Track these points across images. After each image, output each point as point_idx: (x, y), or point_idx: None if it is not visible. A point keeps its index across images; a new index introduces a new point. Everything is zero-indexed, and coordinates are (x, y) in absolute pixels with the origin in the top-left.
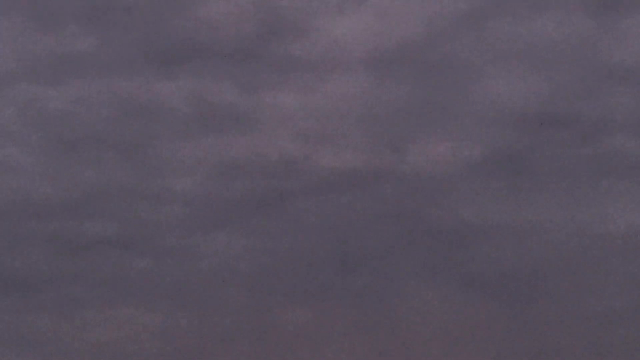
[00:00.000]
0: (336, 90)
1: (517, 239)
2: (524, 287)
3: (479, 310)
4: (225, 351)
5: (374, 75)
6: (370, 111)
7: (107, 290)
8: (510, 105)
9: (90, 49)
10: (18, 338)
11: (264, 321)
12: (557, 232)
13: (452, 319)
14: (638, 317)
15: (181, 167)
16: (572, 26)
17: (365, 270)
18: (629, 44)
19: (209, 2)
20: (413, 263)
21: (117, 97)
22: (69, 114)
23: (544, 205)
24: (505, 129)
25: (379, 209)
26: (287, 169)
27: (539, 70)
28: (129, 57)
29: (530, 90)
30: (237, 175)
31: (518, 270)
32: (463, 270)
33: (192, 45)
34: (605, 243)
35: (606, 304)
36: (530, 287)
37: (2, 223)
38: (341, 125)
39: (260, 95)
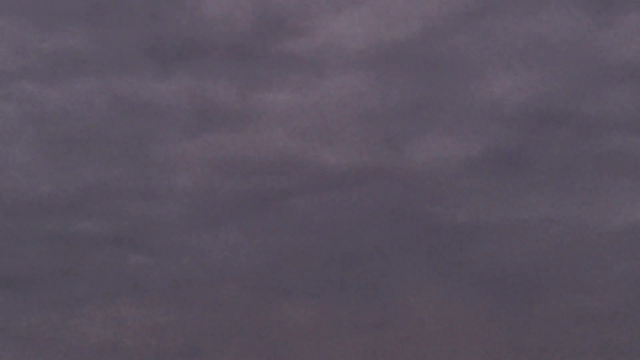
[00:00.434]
0: (334, 88)
1: (517, 236)
2: (524, 284)
3: (478, 307)
4: (224, 348)
5: (372, 73)
6: (368, 109)
7: (105, 288)
8: (510, 103)
9: (88, 48)
10: (15, 335)
11: (264, 318)
12: (556, 230)
13: (451, 316)
14: (636, 314)
15: (180, 164)
16: (571, 24)
17: (365, 268)
18: (628, 41)
19: (207, 0)
20: (412, 260)
21: (116, 96)
22: (68, 112)
23: (543, 202)
24: (504, 126)
25: (378, 207)
26: (285, 167)
27: (538, 67)
28: (127, 56)
29: (529, 88)
30: (235, 173)
31: (517, 268)
32: (463, 267)
33: (191, 44)
34: (606, 240)
35: (606, 301)
36: (530, 284)
37: (1, 220)
38: (340, 123)
39: (258, 93)
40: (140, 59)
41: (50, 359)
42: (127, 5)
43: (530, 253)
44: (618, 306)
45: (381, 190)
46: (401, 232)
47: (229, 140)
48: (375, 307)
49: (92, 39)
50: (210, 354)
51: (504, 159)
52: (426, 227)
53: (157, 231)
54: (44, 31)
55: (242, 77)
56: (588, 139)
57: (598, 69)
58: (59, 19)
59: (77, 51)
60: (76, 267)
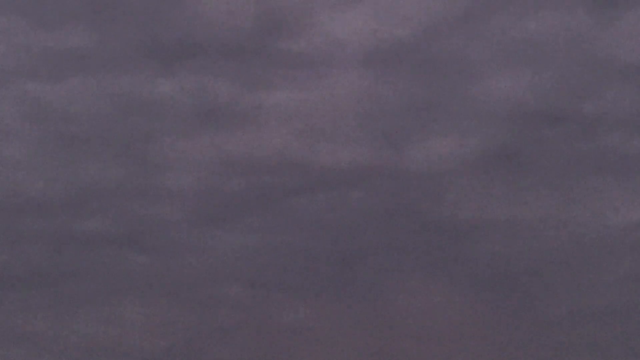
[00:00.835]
0: (335, 87)
1: (515, 235)
2: (522, 282)
3: (477, 305)
4: (224, 347)
5: (372, 72)
6: (368, 108)
7: (105, 287)
8: (509, 102)
9: (89, 46)
10: (16, 334)
11: (263, 317)
12: (555, 228)
13: (451, 314)
14: (636, 313)
15: (180, 163)
16: (570, 23)
17: (364, 267)
18: (627, 41)
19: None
20: (412, 259)
21: (117, 94)
22: (69, 112)
23: (542, 201)
24: (503, 125)
25: (377, 206)
26: (286, 166)
27: (537, 67)
28: (128, 54)
29: (528, 87)
30: (236, 172)
31: (516, 266)
32: (461, 266)
33: (192, 43)
34: (604, 239)
35: (604, 299)
36: (529, 283)
37: (1, 219)
38: (340, 122)
39: (259, 93)
40: (141, 58)
41: (51, 358)
42: (127, 4)
43: (529, 251)
44: (616, 305)
45: (381, 189)
46: (401, 230)
47: (230, 139)
48: (375, 305)
49: (93, 38)
50: (211, 352)
51: (503, 158)
52: (425, 225)
53: (157, 230)
54: (44, 30)
55: (242, 77)
56: (587, 138)
57: (597, 69)
58: (60, 18)
59: (78, 50)
60: (77, 267)
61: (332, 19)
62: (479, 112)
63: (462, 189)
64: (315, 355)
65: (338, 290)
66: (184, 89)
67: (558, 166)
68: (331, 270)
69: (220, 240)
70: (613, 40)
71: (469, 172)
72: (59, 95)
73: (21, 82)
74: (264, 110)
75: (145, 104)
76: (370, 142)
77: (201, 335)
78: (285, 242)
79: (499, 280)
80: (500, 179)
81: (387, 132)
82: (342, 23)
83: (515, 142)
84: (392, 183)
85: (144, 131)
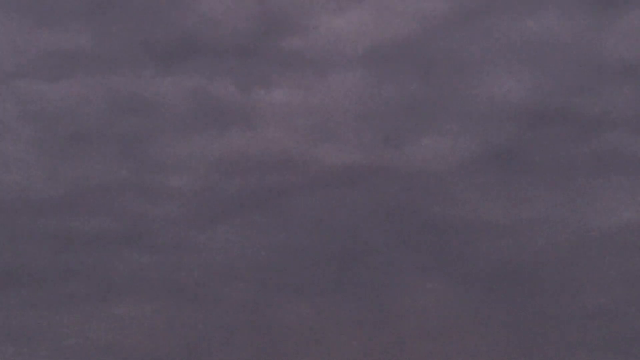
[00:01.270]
0: (334, 86)
1: (514, 234)
2: (521, 282)
3: (476, 305)
4: (224, 346)
5: (372, 71)
6: (368, 107)
7: (104, 286)
8: (508, 101)
9: (88, 46)
10: (16, 333)
11: (263, 316)
12: (554, 228)
13: (450, 314)
14: (634, 313)
15: (180, 163)
16: (570, 22)
17: (364, 266)
18: (626, 40)
19: None
20: (411, 258)
21: (116, 94)
22: (68, 110)
23: (541, 200)
24: (502, 125)
25: (377, 205)
26: (285, 165)
27: (536, 66)
28: (127, 54)
29: (527, 86)
30: (235, 171)
31: (515, 266)
32: (461, 265)
33: (191, 42)
34: (603, 239)
35: (602, 300)
36: (528, 282)
37: (0, 218)
38: (339, 121)
39: (258, 92)
40: (140, 56)
41: (50, 357)
42: (127, 4)
43: (528, 251)
44: (614, 304)
45: (380, 188)
46: (400, 230)
47: (229, 139)
48: (375, 305)
49: (92, 37)
50: (210, 352)
51: (502, 157)
52: (425, 225)
53: (156, 229)
54: (43, 29)
55: (242, 76)
56: (586, 137)
57: (596, 68)
58: (58, 17)
59: (77, 49)
60: (76, 266)
61: (332, 18)
62: (479, 112)
63: (463, 188)
64: (316, 353)
65: (339, 289)
66: (183, 88)
67: (558, 166)
68: (332, 269)
69: (221, 239)
70: (613, 40)
71: (469, 172)
72: (58, 94)
73: (20, 82)
74: (263, 109)
75: (145, 103)
76: (370, 141)
77: (202, 334)
78: (285, 241)
79: (499, 280)
80: (500, 178)
81: (387, 131)
82: (342, 22)
83: (515, 142)
84: (392, 182)
85: (143, 130)
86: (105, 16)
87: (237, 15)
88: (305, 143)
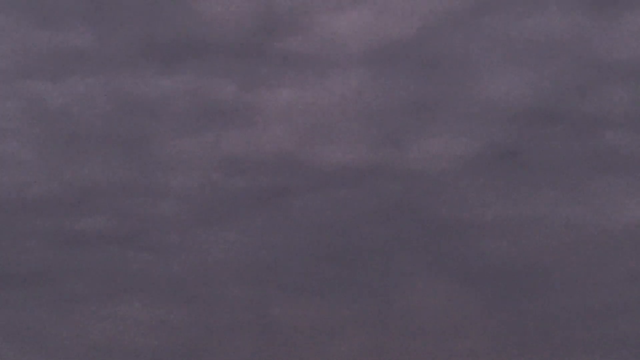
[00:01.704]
0: (335, 86)
1: (515, 233)
2: (522, 280)
3: (477, 304)
4: (225, 345)
5: (372, 71)
6: (368, 107)
7: (106, 285)
8: (508, 101)
9: (90, 46)
10: (17, 332)
11: (264, 315)
12: (554, 227)
13: (451, 312)
14: (634, 311)
15: (181, 162)
16: (569, 23)
17: (365, 265)
18: (625, 40)
19: None
20: (412, 258)
21: (117, 93)
22: (69, 110)
23: (541, 200)
24: (503, 124)
25: (377, 205)
26: (286, 165)
27: (536, 66)
28: (128, 54)
29: (527, 87)
30: (236, 171)
31: (516, 264)
32: (462, 264)
33: (192, 42)
34: (602, 237)
35: (604, 298)
36: (528, 281)
37: (2, 218)
38: (340, 121)
39: (259, 92)
40: (141, 57)
41: (52, 356)
42: (128, 4)
43: (529, 250)
44: (615, 303)
45: (381, 188)
46: (401, 229)
47: (230, 138)
48: (375, 304)
49: (94, 38)
50: (211, 351)
51: (503, 156)
52: (425, 224)
53: (158, 229)
54: (45, 30)
55: (242, 75)
56: (586, 137)
57: (596, 68)
58: (60, 18)
59: (79, 49)
60: (78, 265)
61: (332, 18)
62: (479, 111)
63: (463, 187)
64: (316, 353)
65: (338, 289)
66: (184, 88)
67: (558, 165)
68: (331, 269)
69: (221, 239)
70: (613, 39)
71: (469, 171)
72: (59, 94)
73: (22, 81)
74: (264, 109)
75: (145, 103)
76: (370, 141)
77: (202, 333)
78: (285, 241)
79: (500, 279)
80: (500, 177)
81: (387, 131)
82: (342, 22)
83: (516, 141)
84: (393, 182)
85: (144, 130)
86: (107, 17)
87: (238, 15)
88: (305, 143)
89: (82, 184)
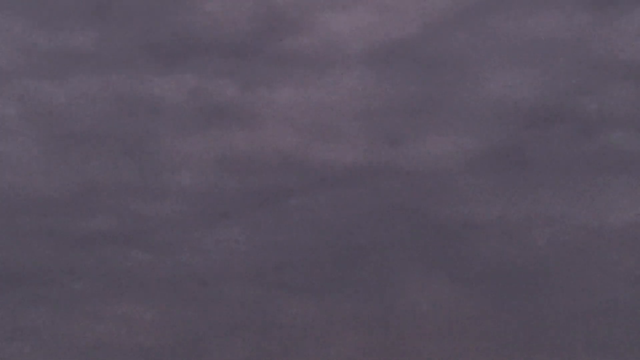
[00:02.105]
0: (335, 85)
1: (516, 233)
2: (522, 280)
3: (478, 304)
4: (225, 346)
5: (372, 70)
6: (369, 106)
7: (106, 285)
8: (509, 101)
9: (90, 45)
10: (19, 332)
11: (265, 315)
12: (555, 227)
13: (451, 313)
14: (635, 312)
15: (181, 162)
16: (570, 22)
17: (365, 265)
18: (626, 39)
19: None
20: (412, 257)
21: (117, 93)
22: (69, 110)
23: (542, 200)
24: (503, 124)
25: (377, 204)
26: (286, 164)
27: (537, 65)
28: (128, 53)
29: (528, 86)
30: (236, 171)
31: (517, 265)
32: (462, 264)
33: (192, 41)
34: (604, 238)
35: (604, 298)
36: (528, 281)
37: (3, 218)
38: (340, 120)
39: (259, 91)
40: (142, 56)
41: (52, 356)
42: (128, 3)
43: (529, 250)
44: (615, 304)
45: (382, 188)
46: (402, 229)
47: (230, 138)
48: (377, 304)
49: (94, 37)
50: (212, 351)
51: (504, 156)
52: (426, 224)
53: (159, 229)
54: (45, 29)
55: (243, 75)
56: (587, 137)
57: (597, 67)
58: (60, 17)
59: (79, 49)
60: (79, 265)
61: (332, 17)
62: (479, 111)
63: (463, 187)
64: (317, 352)
65: (340, 288)
66: (184, 88)
67: (559, 165)
68: (333, 268)
69: (223, 239)
70: (614, 39)
71: (469, 171)
72: (59, 94)
73: (22, 81)
74: (265, 109)
75: (146, 103)
76: (370, 140)
77: (203, 333)
78: (286, 241)
79: (501, 279)
80: (501, 177)
81: (388, 131)
82: (342, 22)
83: (516, 141)
84: (394, 181)
85: (145, 130)
86: (107, 16)
87: (239, 14)
88: (306, 142)
89: (82, 184)
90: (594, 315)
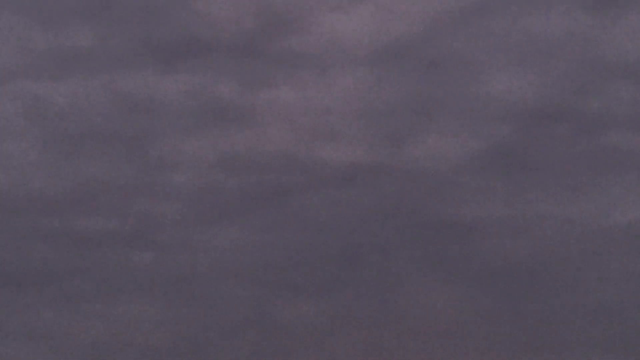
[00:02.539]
0: (336, 85)
1: (516, 232)
2: (523, 280)
3: (478, 303)
4: (227, 344)
5: (373, 70)
6: (370, 106)
7: (109, 284)
8: (509, 101)
9: (90, 45)
10: (21, 331)
11: (266, 314)
12: (555, 226)
13: (451, 312)
14: (635, 310)
15: (182, 162)
16: (571, 22)
17: (366, 264)
18: (627, 39)
19: None
20: (413, 256)
21: (118, 93)
22: (70, 110)
23: (542, 199)
24: (504, 124)
25: (379, 204)
26: (287, 164)
27: (537, 65)
28: (129, 53)
29: (529, 86)
30: (237, 170)
31: (517, 264)
32: (463, 263)
33: (193, 41)
34: (604, 237)
35: (604, 298)
36: (529, 280)
37: (5, 218)
38: (341, 120)
39: (260, 91)
40: (143, 56)
41: (55, 356)
42: (128, 3)
43: (530, 249)
44: (617, 303)
45: (382, 187)
46: (402, 228)
47: (232, 138)
48: (377, 303)
49: (95, 37)
50: (212, 351)
51: (504, 156)
52: (427, 223)
53: (160, 228)
54: (46, 29)
55: (244, 75)
56: (587, 136)
57: (598, 67)
58: (61, 17)
59: (80, 49)
60: (81, 265)
61: (333, 17)
62: (480, 111)
63: (464, 187)
64: (318, 351)
65: (341, 287)
66: (185, 88)
67: (560, 164)
68: (333, 268)
69: (223, 238)
70: (615, 38)
71: (470, 170)
72: (60, 93)
73: (22, 81)
74: (265, 108)
75: (146, 103)
76: (371, 140)
77: (205, 332)
78: (287, 240)
79: (501, 278)
80: (502, 177)
81: (388, 131)
82: (343, 22)
83: (517, 141)
84: (394, 181)
85: (146, 129)
86: (108, 16)
87: (239, 15)
88: (307, 142)
89: (85, 183)
90: (594, 314)
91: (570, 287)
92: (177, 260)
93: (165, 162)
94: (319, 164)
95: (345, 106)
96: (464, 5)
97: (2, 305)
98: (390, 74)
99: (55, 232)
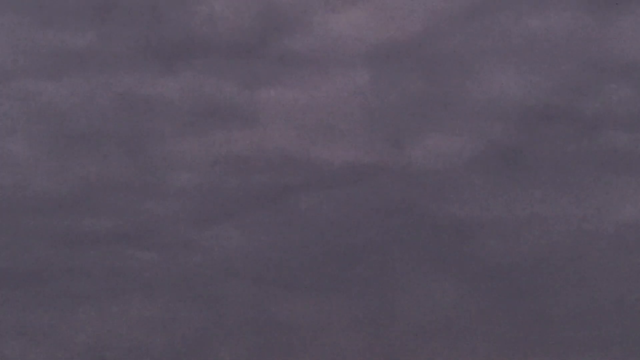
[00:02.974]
0: (337, 85)
1: (516, 233)
2: (523, 280)
3: (479, 303)
4: (227, 344)
5: (374, 70)
6: (370, 106)
7: (108, 285)
8: (510, 100)
9: (90, 44)
10: (19, 332)
11: (265, 314)
12: (555, 227)
13: (451, 312)
14: (635, 311)
15: (182, 162)
16: (571, 22)
17: (366, 264)
18: (628, 39)
19: None
20: (413, 257)
21: (118, 93)
22: (69, 110)
23: (542, 199)
24: (504, 123)
25: (379, 204)
26: (287, 164)
27: (538, 65)
28: (129, 53)
29: (529, 86)
30: (238, 170)
31: (517, 264)
32: (463, 263)
33: (193, 41)
34: (604, 237)
35: (604, 298)
36: (529, 281)
37: (3, 218)
38: (342, 120)
39: (260, 91)
40: (143, 56)
41: (55, 356)
42: (128, 2)
43: (530, 249)
44: (615, 304)
45: (383, 187)
46: (403, 228)
47: (232, 138)
48: (377, 303)
49: (94, 36)
50: (214, 350)
51: (504, 156)
52: (427, 223)
53: (161, 228)
54: (45, 28)
55: (244, 75)
56: (587, 136)
57: (598, 67)
58: (61, 16)
59: (79, 49)
60: (81, 264)
61: (333, 17)
62: (480, 111)
63: (464, 186)
64: (318, 351)
65: (341, 287)
66: (185, 88)
67: (560, 164)
68: (333, 267)
69: (224, 238)
70: (614, 39)
71: (470, 170)
72: (60, 93)
73: (23, 81)
74: (265, 108)
75: (147, 103)
76: (371, 140)
77: (205, 332)
78: (287, 240)
79: (502, 278)
80: (502, 176)
81: (388, 130)
82: (343, 22)
83: (517, 140)
84: (394, 181)
85: (146, 129)
86: (108, 16)
87: (239, 14)
88: (307, 142)
89: (83, 184)
90: (594, 314)
91: (570, 288)
92: (177, 260)
93: (165, 162)
94: (319, 163)
95: (345, 106)
96: (463, 5)
97: (0, 305)
98: (390, 74)
99: (55, 232)
